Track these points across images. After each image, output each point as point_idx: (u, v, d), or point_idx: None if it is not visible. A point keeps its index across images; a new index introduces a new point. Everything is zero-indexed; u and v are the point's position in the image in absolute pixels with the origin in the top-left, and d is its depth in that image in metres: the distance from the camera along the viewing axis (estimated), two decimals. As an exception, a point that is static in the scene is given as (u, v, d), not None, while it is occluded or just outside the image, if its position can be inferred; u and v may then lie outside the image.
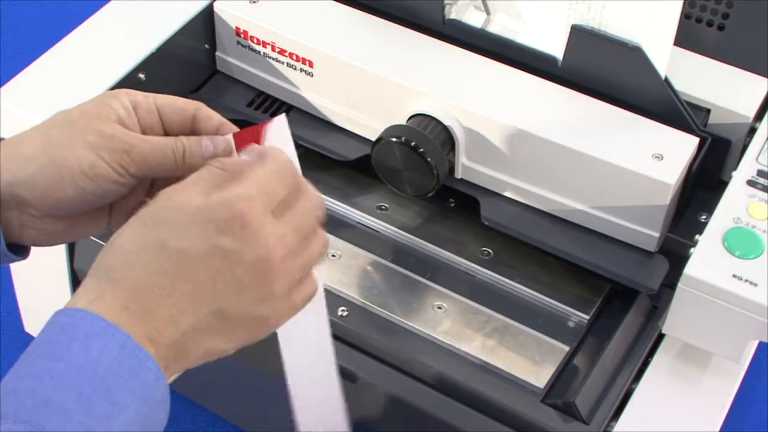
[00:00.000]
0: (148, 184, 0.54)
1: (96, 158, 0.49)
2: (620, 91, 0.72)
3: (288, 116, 0.54)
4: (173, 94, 0.54)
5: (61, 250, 0.79)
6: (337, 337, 0.70)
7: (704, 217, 0.72)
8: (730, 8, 0.76)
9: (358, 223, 0.79)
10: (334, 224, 0.78)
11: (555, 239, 0.72)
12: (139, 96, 0.52)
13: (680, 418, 0.64)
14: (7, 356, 0.91)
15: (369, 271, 0.75)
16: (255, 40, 0.79)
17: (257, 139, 0.52)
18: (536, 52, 0.74)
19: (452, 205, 0.80)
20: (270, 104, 0.82)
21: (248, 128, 0.53)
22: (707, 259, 0.62)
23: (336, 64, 0.76)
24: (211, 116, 0.53)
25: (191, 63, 0.83)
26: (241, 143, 0.53)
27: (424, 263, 0.76)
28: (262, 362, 0.73)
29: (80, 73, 0.76)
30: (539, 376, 0.68)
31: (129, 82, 0.75)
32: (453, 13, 0.77)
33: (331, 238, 0.77)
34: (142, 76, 0.76)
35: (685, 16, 0.77)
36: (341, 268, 0.75)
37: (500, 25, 0.77)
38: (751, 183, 0.66)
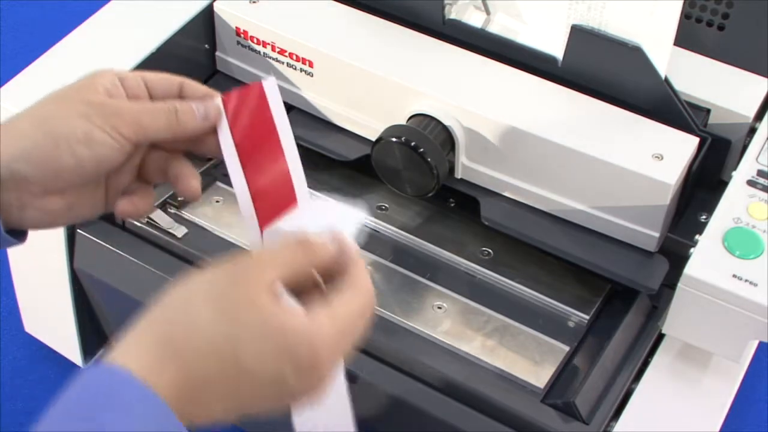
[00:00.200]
0: (142, 155, 0.55)
1: (89, 125, 0.50)
2: (620, 91, 0.72)
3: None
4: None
5: (61, 250, 0.79)
6: (337, 337, 0.70)
7: (704, 217, 0.72)
8: (730, 8, 0.76)
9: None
10: (334, 224, 0.78)
11: (555, 239, 0.72)
12: (125, 72, 0.54)
13: (680, 418, 0.64)
14: (7, 356, 0.91)
15: (369, 271, 0.75)
16: (255, 40, 0.79)
17: (246, 101, 0.53)
18: (536, 52, 0.74)
19: (452, 205, 0.80)
20: (270, 104, 0.82)
21: (237, 90, 0.53)
22: (707, 259, 0.62)
23: (336, 64, 0.76)
24: (197, 87, 0.54)
25: (191, 63, 0.83)
26: (230, 105, 0.53)
27: (424, 263, 0.76)
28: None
29: (80, 73, 0.75)
30: (539, 376, 0.68)
31: (129, 82, 0.75)
32: (453, 13, 0.78)
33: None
34: (142, 76, 0.76)
35: (685, 16, 0.77)
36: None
37: (500, 25, 0.77)
38: (751, 183, 0.66)
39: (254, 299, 0.45)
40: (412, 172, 0.71)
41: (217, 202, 0.80)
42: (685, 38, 0.73)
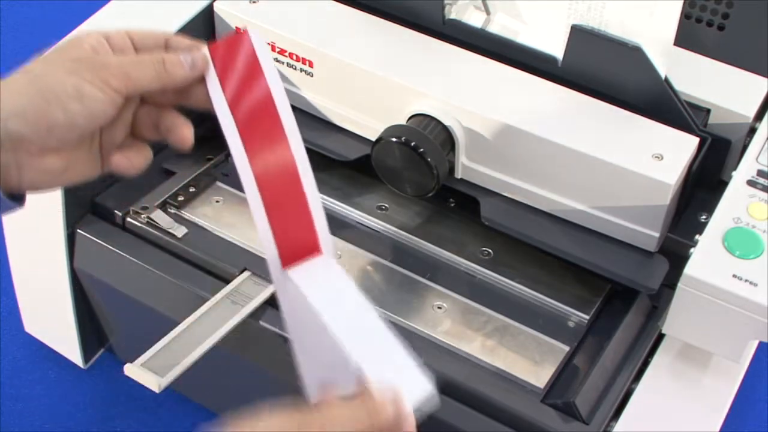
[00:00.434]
0: (133, 110, 0.55)
1: (78, 80, 0.51)
2: (620, 91, 0.72)
3: None
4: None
5: (61, 250, 0.79)
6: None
7: (704, 217, 0.72)
8: (730, 8, 0.76)
9: (358, 223, 0.79)
10: (334, 224, 0.78)
11: (555, 239, 0.72)
12: (110, 30, 0.54)
13: (680, 418, 0.64)
14: (7, 356, 0.91)
15: (369, 271, 0.75)
16: (255, 40, 0.79)
17: (234, 51, 0.54)
18: (536, 52, 0.74)
19: (452, 205, 0.80)
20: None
21: (223, 40, 0.54)
22: (707, 259, 0.62)
23: (336, 64, 0.76)
24: (182, 40, 0.56)
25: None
26: (217, 55, 0.53)
27: (424, 263, 0.76)
28: (263, 362, 0.73)
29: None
30: (539, 376, 0.68)
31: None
32: (453, 13, 0.78)
33: (332, 238, 0.78)
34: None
35: (685, 16, 0.77)
36: (341, 268, 0.75)
37: (500, 25, 0.77)
38: (751, 183, 0.66)
39: None
40: (412, 172, 0.71)
41: (217, 202, 0.80)
42: (685, 38, 0.73)
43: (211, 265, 0.74)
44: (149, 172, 0.82)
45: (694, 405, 0.65)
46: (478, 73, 0.74)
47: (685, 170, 0.68)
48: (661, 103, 0.71)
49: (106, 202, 0.79)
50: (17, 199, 0.53)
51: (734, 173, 0.67)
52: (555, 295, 0.73)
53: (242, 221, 0.78)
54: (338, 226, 0.78)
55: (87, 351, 0.88)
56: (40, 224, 0.80)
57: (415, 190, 0.73)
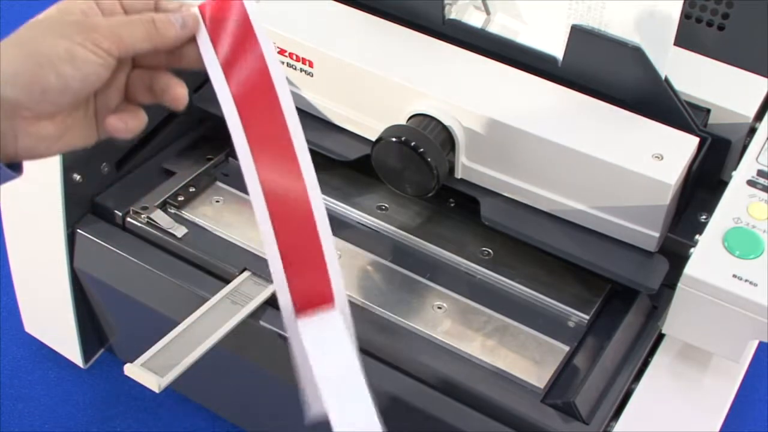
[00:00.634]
0: (126, 73, 0.56)
1: (69, 43, 0.51)
2: (620, 91, 0.72)
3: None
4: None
5: (61, 250, 0.79)
6: (337, 337, 0.70)
7: (704, 217, 0.72)
8: (730, 8, 0.76)
9: (358, 223, 0.79)
10: (334, 224, 0.78)
11: (555, 239, 0.72)
12: None
13: (680, 418, 0.64)
14: (7, 356, 0.91)
15: (369, 271, 0.75)
16: (255, 40, 0.79)
17: (224, 11, 0.54)
18: (536, 52, 0.74)
19: (452, 205, 0.80)
20: (270, 104, 0.82)
21: (213, 0, 0.54)
22: (707, 259, 0.62)
23: (336, 64, 0.76)
24: (172, 2, 0.56)
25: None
26: (207, 15, 0.54)
27: (424, 263, 0.76)
28: (263, 362, 0.73)
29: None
30: (539, 376, 0.68)
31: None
32: (453, 13, 0.78)
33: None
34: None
35: (685, 16, 0.77)
36: (341, 269, 0.74)
37: (500, 25, 0.77)
38: (751, 183, 0.66)
39: None
40: (412, 172, 0.71)
41: (217, 202, 0.80)
42: (685, 38, 0.73)
43: (211, 265, 0.74)
44: (149, 172, 0.83)
45: (694, 405, 0.65)
46: (478, 73, 0.74)
47: (685, 170, 0.68)
48: (661, 103, 0.70)
49: (106, 202, 0.79)
50: (15, 168, 0.53)
51: (734, 173, 0.67)
52: (555, 295, 0.73)
53: (242, 221, 0.78)
54: (338, 226, 0.78)
55: (87, 351, 0.88)
56: (40, 224, 0.80)
57: (415, 190, 0.73)
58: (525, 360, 0.69)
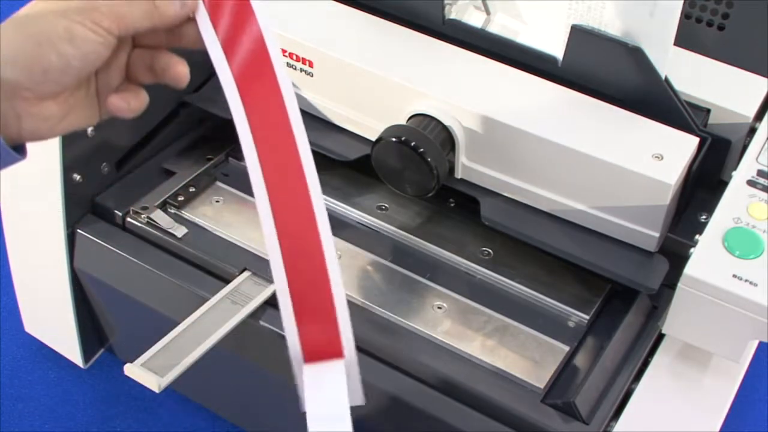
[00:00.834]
0: (127, 53, 0.56)
1: (69, 22, 0.51)
2: (620, 91, 0.72)
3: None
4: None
5: (61, 250, 0.79)
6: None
7: (704, 217, 0.72)
8: (730, 8, 0.76)
9: (358, 223, 0.79)
10: (334, 224, 0.78)
11: (555, 239, 0.72)
12: None
13: (680, 418, 0.64)
14: (7, 356, 0.91)
15: (369, 271, 0.75)
16: (255, 40, 0.79)
17: None
18: (536, 52, 0.74)
19: (452, 205, 0.80)
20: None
21: None
22: (707, 259, 0.62)
23: (336, 64, 0.76)
24: None
25: (191, 63, 0.82)
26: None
27: (424, 263, 0.76)
28: (263, 362, 0.73)
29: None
30: (539, 376, 0.68)
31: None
32: (453, 13, 0.78)
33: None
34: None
35: (685, 16, 0.77)
36: (341, 268, 0.74)
37: (500, 25, 0.77)
38: (751, 183, 0.66)
39: None
40: (412, 172, 0.71)
41: (217, 202, 0.80)
42: (685, 38, 0.73)
43: (211, 265, 0.74)
44: (149, 172, 0.83)
45: (694, 405, 0.65)
46: (478, 73, 0.74)
47: (685, 170, 0.68)
48: (661, 103, 0.71)
49: (106, 202, 0.79)
50: (19, 151, 0.53)
51: (734, 173, 0.67)
52: (555, 295, 0.73)
53: (242, 221, 0.78)
54: (338, 226, 0.78)
55: (87, 351, 0.88)
56: (40, 224, 0.80)
57: (415, 190, 0.73)
58: (525, 360, 0.69)
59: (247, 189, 0.55)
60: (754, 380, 0.88)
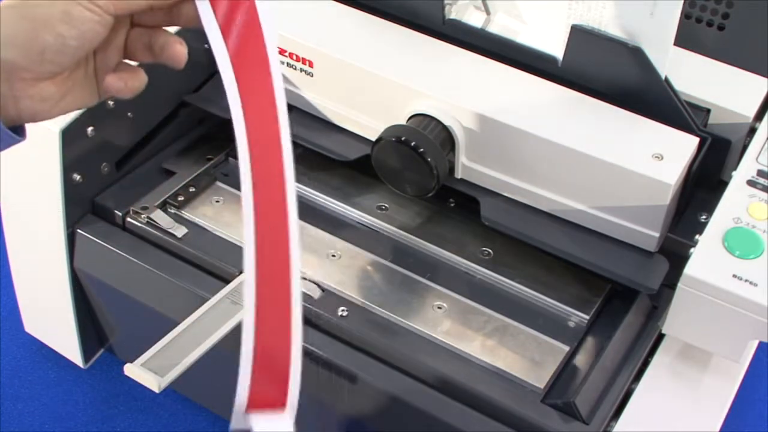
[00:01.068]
0: (125, 32, 0.55)
1: (65, 2, 0.51)
2: (620, 91, 0.72)
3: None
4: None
5: (61, 250, 0.79)
6: (337, 337, 0.70)
7: (704, 217, 0.72)
8: (730, 8, 0.76)
9: (358, 223, 0.79)
10: (334, 224, 0.79)
11: (555, 239, 0.72)
12: None
13: (680, 418, 0.64)
14: (7, 356, 0.91)
15: (369, 271, 0.75)
16: (255, 40, 0.79)
17: None
18: (536, 52, 0.74)
19: (452, 205, 0.80)
20: (270, 104, 0.82)
21: None
22: (707, 259, 0.62)
23: (336, 64, 0.76)
24: None
25: (191, 63, 0.82)
26: None
27: (424, 263, 0.76)
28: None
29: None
30: (539, 376, 0.68)
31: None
32: (453, 13, 0.78)
33: (332, 238, 0.78)
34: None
35: (685, 16, 0.77)
36: (341, 268, 0.75)
37: (500, 25, 0.77)
38: (751, 183, 0.66)
39: None
40: (412, 172, 0.71)
41: (217, 202, 0.80)
42: (685, 38, 0.73)
43: (211, 265, 0.74)
44: (149, 172, 0.83)
45: (694, 405, 0.65)
46: (478, 73, 0.74)
47: (685, 170, 0.68)
48: (661, 103, 0.71)
49: (106, 202, 0.79)
50: (19, 132, 0.53)
51: (734, 173, 0.67)
52: (555, 295, 0.73)
53: (242, 221, 0.78)
54: (338, 226, 0.78)
55: (87, 351, 0.88)
56: (40, 224, 0.80)
57: (415, 190, 0.73)
58: (525, 360, 0.69)
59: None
60: (754, 380, 0.88)
